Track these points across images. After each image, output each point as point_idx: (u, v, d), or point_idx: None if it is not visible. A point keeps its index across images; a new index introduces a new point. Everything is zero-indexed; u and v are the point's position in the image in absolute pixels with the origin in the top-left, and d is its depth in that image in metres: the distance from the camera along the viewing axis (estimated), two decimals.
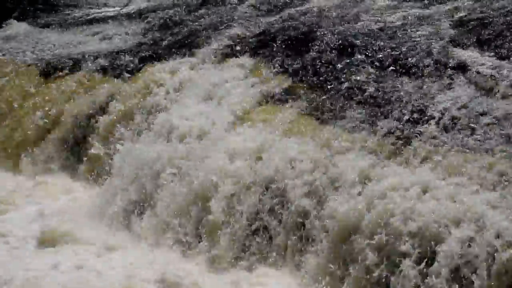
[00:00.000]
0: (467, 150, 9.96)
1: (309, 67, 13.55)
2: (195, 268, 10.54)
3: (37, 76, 16.10)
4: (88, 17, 21.74)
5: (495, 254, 7.76)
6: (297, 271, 10.08)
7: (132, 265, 10.77)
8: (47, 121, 15.03)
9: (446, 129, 10.60)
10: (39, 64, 16.53)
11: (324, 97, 12.44)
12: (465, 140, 10.23)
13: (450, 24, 14.36)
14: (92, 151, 14.20)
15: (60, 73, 15.97)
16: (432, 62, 12.53)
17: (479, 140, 10.17)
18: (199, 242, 11.02)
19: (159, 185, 11.89)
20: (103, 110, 14.60)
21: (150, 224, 11.76)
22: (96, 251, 11.28)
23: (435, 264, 8.29)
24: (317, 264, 9.75)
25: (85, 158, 14.35)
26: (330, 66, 13.42)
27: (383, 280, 8.82)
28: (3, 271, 10.37)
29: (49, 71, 16.15)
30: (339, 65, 13.33)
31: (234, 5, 19.53)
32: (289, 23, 16.04)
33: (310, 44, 14.40)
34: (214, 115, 12.73)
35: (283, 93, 12.92)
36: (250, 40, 15.51)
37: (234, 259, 10.57)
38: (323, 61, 13.57)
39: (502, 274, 7.67)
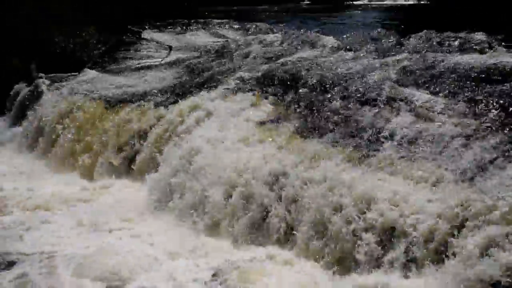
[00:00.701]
0: (411, 158, 10.34)
1: (296, 99, 13.90)
2: None
3: (103, 107, 16.27)
4: (139, 66, 21.84)
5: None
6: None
7: None
8: (107, 139, 15.04)
9: (395, 144, 10.95)
10: (104, 99, 16.65)
11: (307, 121, 12.76)
12: (409, 152, 10.57)
13: (395, 70, 14.55)
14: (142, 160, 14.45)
15: (119, 105, 16.19)
16: (384, 96, 12.84)
17: (419, 152, 10.49)
18: None
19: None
20: (149, 130, 14.86)
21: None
22: None
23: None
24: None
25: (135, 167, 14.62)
26: (312, 99, 13.70)
27: None
28: None
29: (112, 104, 16.38)
30: (318, 98, 13.65)
31: (243, 56, 19.60)
32: (282, 68, 16.31)
33: (297, 83, 14.77)
34: (227, 134, 13.03)
35: (276, 119, 13.20)
36: (253, 81, 15.67)
37: None
38: (306, 96, 13.95)
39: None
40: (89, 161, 15.11)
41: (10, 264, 10.45)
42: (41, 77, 20.01)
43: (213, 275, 9.71)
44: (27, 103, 18.99)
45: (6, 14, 21.96)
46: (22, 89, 19.97)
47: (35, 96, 18.86)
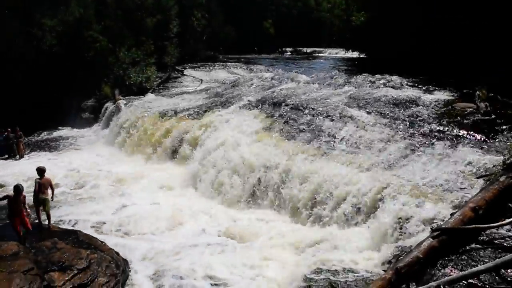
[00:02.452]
0: (354, 153, 10.43)
1: (282, 115, 13.83)
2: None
3: (158, 117, 16.27)
4: (181, 92, 21.94)
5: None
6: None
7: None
8: (160, 137, 15.11)
9: (344, 144, 11.03)
10: (159, 112, 16.65)
11: (289, 129, 12.67)
12: (352, 149, 10.70)
13: (345, 97, 14.68)
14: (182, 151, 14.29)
15: (167, 116, 16.11)
16: (338, 114, 12.94)
17: (358, 149, 10.63)
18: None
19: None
20: (187, 132, 14.64)
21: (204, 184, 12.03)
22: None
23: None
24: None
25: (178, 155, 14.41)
26: (293, 114, 13.67)
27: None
28: None
29: (163, 115, 16.30)
30: (296, 114, 13.64)
31: (248, 86, 19.61)
32: (273, 95, 16.35)
33: (282, 104, 14.70)
34: (238, 136, 12.93)
35: (270, 127, 13.09)
36: (255, 102, 15.61)
37: None
38: (288, 113, 13.92)
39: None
40: (149, 151, 15.10)
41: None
42: (120, 99, 20.10)
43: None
44: (112, 115, 19.07)
45: (107, 60, 22.50)
46: (109, 106, 20.08)
47: (117, 110, 18.93)
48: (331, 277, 6.81)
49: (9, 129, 16.10)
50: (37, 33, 21.35)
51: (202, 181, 12.16)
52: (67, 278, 6.17)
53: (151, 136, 15.51)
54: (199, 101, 18.23)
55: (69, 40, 21.80)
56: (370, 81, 17.37)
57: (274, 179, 10.66)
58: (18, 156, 15.93)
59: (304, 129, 12.36)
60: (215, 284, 7.47)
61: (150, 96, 20.91)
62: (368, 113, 12.58)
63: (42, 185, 8.61)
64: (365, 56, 33.39)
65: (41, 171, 8.78)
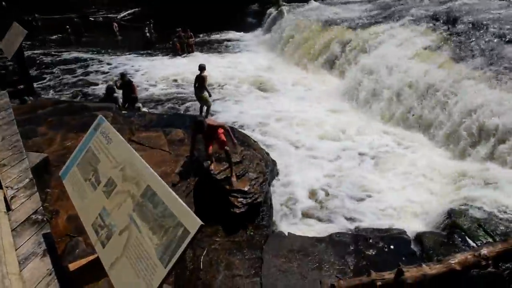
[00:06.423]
0: None
1: (454, 34, 12.30)
2: None
3: (320, 26, 15.93)
4: (345, 1, 20.89)
5: None
6: None
7: None
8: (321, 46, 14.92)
9: None
10: (321, 21, 16.24)
11: (460, 50, 11.22)
12: None
13: None
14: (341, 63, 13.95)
15: (329, 26, 15.67)
16: None
17: None
18: None
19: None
20: (347, 43, 14.17)
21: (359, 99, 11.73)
22: None
23: None
24: None
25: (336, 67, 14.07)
26: (467, 34, 12.07)
27: None
28: None
29: (325, 24, 15.95)
30: (470, 35, 12.00)
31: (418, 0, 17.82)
32: (447, 10, 14.63)
33: (457, 22, 13.10)
34: (400, 53, 12.06)
35: (439, 46, 11.78)
36: (425, 18, 14.10)
37: None
38: (462, 32, 12.33)
39: None
40: (307, 60, 15.10)
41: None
42: (284, 5, 20.16)
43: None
44: (274, 20, 19.35)
45: None
46: (272, 12, 20.32)
47: (279, 16, 19.09)
48: (480, 216, 6.22)
49: (180, 29, 17.76)
50: None
51: (357, 96, 11.89)
52: (222, 169, 6.80)
53: (312, 45, 15.40)
54: (364, 12, 17.21)
55: None
56: None
57: (432, 103, 9.82)
58: (185, 54, 17.59)
59: (478, 52, 10.75)
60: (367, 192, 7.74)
61: (313, 3, 20.44)
62: None
63: (198, 80, 9.26)
64: None
65: (200, 68, 9.45)
